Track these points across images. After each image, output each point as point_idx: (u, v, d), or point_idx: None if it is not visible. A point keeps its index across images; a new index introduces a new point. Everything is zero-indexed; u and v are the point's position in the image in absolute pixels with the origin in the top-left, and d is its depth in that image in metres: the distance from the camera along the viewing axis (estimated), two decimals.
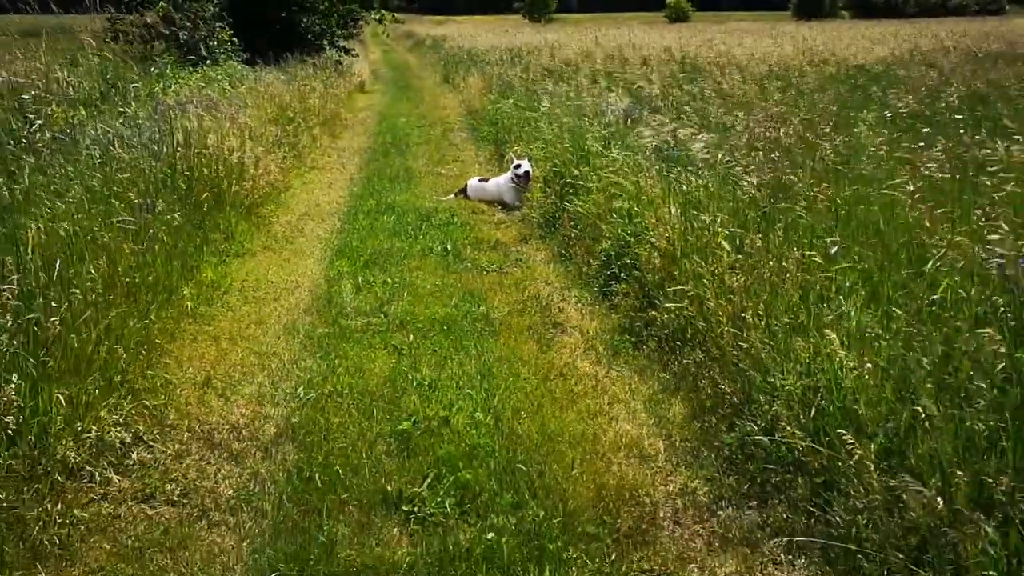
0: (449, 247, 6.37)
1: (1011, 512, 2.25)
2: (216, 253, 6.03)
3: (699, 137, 5.85)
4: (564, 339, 4.70)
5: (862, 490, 2.64)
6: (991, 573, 2.18)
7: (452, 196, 8.19)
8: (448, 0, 73.42)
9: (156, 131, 7.11)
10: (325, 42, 18.33)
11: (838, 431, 2.78)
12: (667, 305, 4.18)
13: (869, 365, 2.93)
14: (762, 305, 3.67)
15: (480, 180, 8.27)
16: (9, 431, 2.97)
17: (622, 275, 5.05)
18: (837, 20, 49.13)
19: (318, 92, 13.41)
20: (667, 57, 16.45)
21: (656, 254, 4.63)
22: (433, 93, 18.78)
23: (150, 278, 4.78)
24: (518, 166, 7.69)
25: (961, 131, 5.80)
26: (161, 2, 14.05)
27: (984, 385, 2.59)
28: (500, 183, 7.92)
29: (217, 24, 14.45)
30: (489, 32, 33.96)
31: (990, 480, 2.35)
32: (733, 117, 6.89)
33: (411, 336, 4.68)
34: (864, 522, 2.59)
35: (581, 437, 3.58)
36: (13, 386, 3.06)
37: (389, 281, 5.60)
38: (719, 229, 4.29)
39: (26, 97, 7.40)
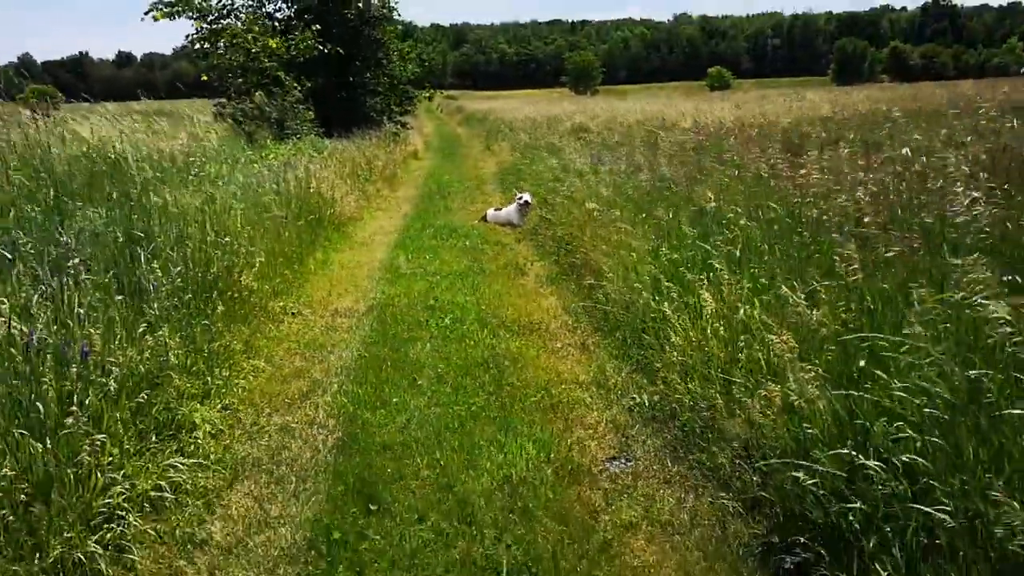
0: (467, 244, 10.50)
1: None
2: (321, 248, 10.25)
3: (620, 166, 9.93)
4: (524, 278, 8.73)
5: (673, 336, 6.55)
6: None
7: (476, 221, 12.35)
8: (499, 77, 79.68)
9: (276, 179, 11.46)
10: (385, 118, 23.07)
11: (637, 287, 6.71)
12: (569, 248, 8.22)
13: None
14: (610, 241, 7.64)
15: (495, 210, 12.41)
16: (252, 299, 7.09)
17: (561, 247, 9.09)
18: (876, 84, 52.77)
19: (380, 158, 17.92)
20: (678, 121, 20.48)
21: (574, 231, 8.68)
22: (475, 158, 23.31)
23: (291, 251, 8.99)
24: (520, 197, 11.72)
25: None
26: (258, 92, 18.88)
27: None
28: (509, 209, 12.00)
29: (300, 106, 19.19)
30: (533, 105, 38.68)
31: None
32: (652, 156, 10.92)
33: (438, 277, 8.76)
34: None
35: (521, 303, 7.58)
36: (254, 280, 7.20)
37: (427, 257, 9.74)
38: (615, 211, 8.29)
39: (191, 158, 11.87)
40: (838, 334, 3.95)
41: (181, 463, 4.43)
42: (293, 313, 7.52)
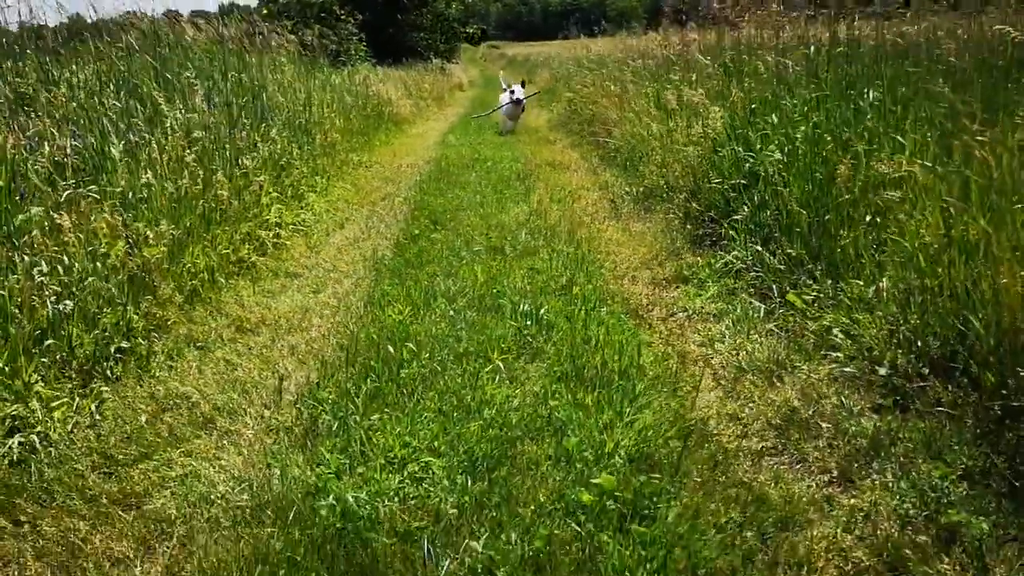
0: (487, 142, 12.72)
1: None
2: (384, 133, 12.54)
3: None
4: (552, 145, 10.91)
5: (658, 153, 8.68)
6: None
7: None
8: (543, 28, 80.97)
9: (344, 84, 13.75)
10: (432, 54, 25.26)
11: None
12: (590, 121, 10.37)
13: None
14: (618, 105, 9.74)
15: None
16: (336, 148, 9.38)
17: (584, 126, 11.23)
18: None
19: (428, 81, 20.14)
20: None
21: (596, 107, 10.81)
22: None
23: (360, 129, 11.28)
24: (512, 90, 12.34)
25: None
26: (317, 25, 21.19)
27: None
28: (501, 109, 12.96)
29: (354, 38, 21.47)
30: (565, 50, 40.65)
31: None
32: None
33: (481, 146, 10.97)
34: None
35: (547, 154, 9.76)
36: (340, 142, 9.48)
37: (473, 137, 11.97)
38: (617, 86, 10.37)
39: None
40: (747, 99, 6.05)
41: (307, 215, 6.76)
42: (367, 166, 9.79)
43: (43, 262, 3.83)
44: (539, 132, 12.64)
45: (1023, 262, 2.99)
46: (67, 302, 3.68)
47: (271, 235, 6.00)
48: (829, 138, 4.70)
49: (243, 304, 4.75)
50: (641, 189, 7.24)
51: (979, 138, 3.40)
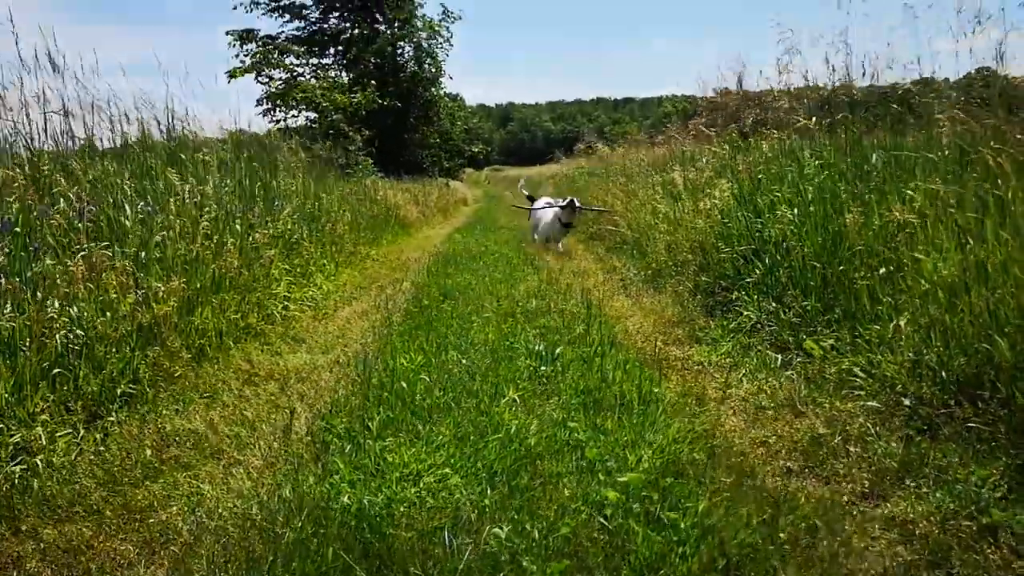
0: (510, 233, 12.93)
1: None
2: (390, 235, 12.77)
3: None
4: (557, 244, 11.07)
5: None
6: None
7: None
8: (545, 153, 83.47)
9: (354, 190, 14.13)
10: (436, 170, 26.03)
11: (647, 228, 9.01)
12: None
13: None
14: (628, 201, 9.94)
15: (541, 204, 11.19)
16: (344, 240, 9.55)
17: (591, 224, 11.44)
18: None
19: (434, 194, 20.66)
20: None
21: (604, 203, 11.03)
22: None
23: (367, 227, 11.50)
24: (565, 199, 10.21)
25: None
26: (328, 142, 21.95)
27: None
28: (547, 213, 10.85)
29: (361, 154, 22.19)
30: (567, 168, 42.05)
31: None
32: None
33: (487, 243, 11.14)
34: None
35: (553, 249, 9.91)
36: (347, 234, 9.68)
37: (478, 237, 12.17)
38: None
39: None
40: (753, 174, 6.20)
41: (316, 292, 6.81)
42: (374, 259, 9.93)
43: (56, 300, 3.85)
44: None
45: None
46: (78, 331, 3.67)
47: (279, 307, 6.03)
48: (843, 187, 4.79)
49: (251, 361, 4.73)
50: (649, 272, 7.31)
51: (995, 146, 3.47)
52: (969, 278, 3.44)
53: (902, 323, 3.74)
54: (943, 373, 3.34)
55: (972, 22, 4.21)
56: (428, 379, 3.71)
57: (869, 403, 3.48)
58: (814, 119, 5.68)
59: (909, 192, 4.50)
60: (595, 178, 13.59)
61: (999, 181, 3.59)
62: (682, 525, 2.22)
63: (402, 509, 2.47)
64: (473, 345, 4.58)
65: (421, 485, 2.67)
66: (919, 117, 5.55)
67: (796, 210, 5.09)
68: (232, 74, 21.53)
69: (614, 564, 2.13)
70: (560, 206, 9.75)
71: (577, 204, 9.59)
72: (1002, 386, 3.03)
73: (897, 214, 4.18)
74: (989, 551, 2.23)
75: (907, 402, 3.35)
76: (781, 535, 2.28)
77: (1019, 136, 3.90)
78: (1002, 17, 4.24)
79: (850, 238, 4.47)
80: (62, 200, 5.04)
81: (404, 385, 3.64)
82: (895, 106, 5.69)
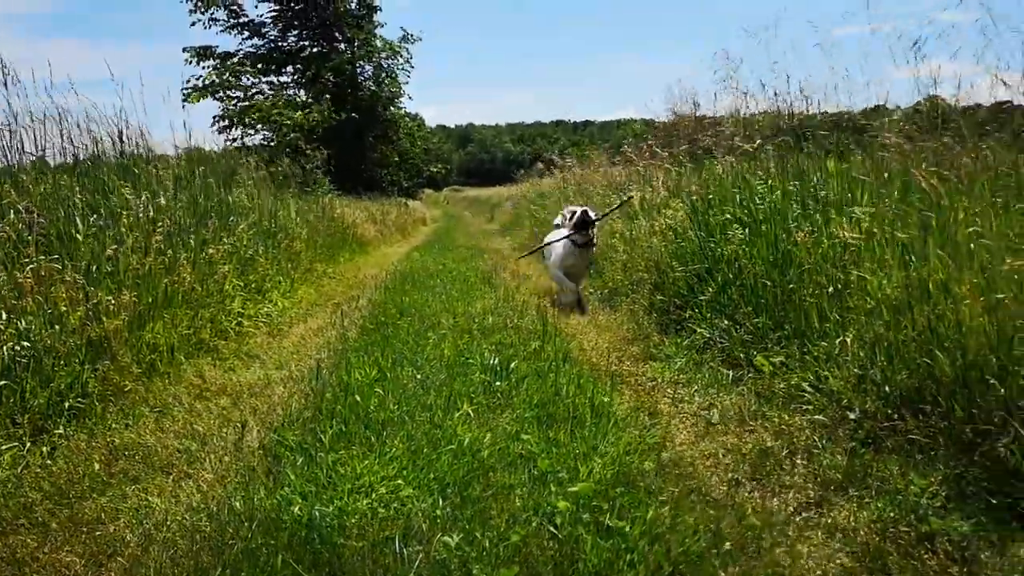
0: (468, 252, 12.97)
1: None
2: (347, 252, 12.73)
3: None
4: (516, 263, 11.14)
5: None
6: None
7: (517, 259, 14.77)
8: (505, 174, 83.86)
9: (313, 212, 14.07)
10: (396, 189, 26.01)
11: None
12: None
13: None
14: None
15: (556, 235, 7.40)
16: (301, 257, 9.52)
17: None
18: None
19: (392, 213, 20.64)
20: None
21: None
22: (479, 224, 26.03)
23: (324, 244, 11.46)
24: (572, 211, 7.04)
25: None
26: (287, 159, 21.85)
27: None
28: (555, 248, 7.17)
29: (318, 171, 22.11)
30: (526, 189, 42.30)
31: None
32: None
33: (445, 260, 11.17)
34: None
35: (516, 272, 9.96)
36: (304, 251, 9.65)
37: (436, 256, 12.19)
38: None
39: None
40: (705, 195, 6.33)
41: (271, 308, 6.77)
42: (331, 276, 9.90)
43: (3, 312, 3.80)
44: (501, 252, 12.92)
45: (984, 295, 3.12)
46: (25, 344, 3.62)
47: (233, 323, 6.00)
48: (792, 208, 4.92)
49: (203, 376, 4.70)
50: (605, 291, 7.40)
51: (931, 169, 3.61)
52: (912, 296, 3.56)
53: (848, 340, 3.85)
54: (887, 388, 3.45)
55: (913, 50, 4.37)
56: (382, 393, 3.72)
57: (816, 417, 3.57)
58: (759, 142, 5.83)
59: (856, 212, 4.65)
60: (550, 200, 13.71)
61: (940, 203, 3.74)
62: (630, 533, 2.27)
63: (354, 520, 2.49)
64: (428, 360, 4.60)
65: (373, 496, 2.69)
66: (868, 144, 5.74)
67: (747, 229, 5.21)
68: (187, 98, 21.40)
69: (563, 571, 2.17)
70: (571, 224, 6.90)
71: (592, 214, 6.88)
72: (942, 400, 3.14)
73: (844, 234, 4.31)
74: (927, 557, 2.31)
75: (852, 416, 3.45)
76: (726, 543, 2.34)
77: (967, 160, 4.07)
78: (944, 45, 4.42)
79: (799, 257, 4.59)
80: (11, 212, 4.96)
81: (358, 399, 3.65)
82: (844, 133, 5.87)
